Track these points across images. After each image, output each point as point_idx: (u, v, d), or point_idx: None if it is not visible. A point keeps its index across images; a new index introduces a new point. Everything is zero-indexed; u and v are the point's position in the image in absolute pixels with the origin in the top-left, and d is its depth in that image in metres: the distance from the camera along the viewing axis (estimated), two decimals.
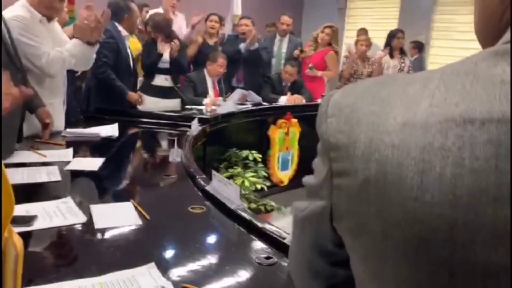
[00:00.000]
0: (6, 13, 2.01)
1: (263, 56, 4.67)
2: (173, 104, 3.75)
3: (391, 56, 5.02)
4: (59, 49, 2.22)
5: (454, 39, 7.41)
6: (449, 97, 0.39)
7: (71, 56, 2.22)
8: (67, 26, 2.99)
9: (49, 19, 2.28)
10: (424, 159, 0.38)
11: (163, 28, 3.78)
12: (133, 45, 3.65)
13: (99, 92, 3.04)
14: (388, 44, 5.06)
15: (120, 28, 3.07)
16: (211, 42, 4.52)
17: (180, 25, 4.68)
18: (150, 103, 3.46)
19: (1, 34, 1.67)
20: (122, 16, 3.07)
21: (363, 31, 6.17)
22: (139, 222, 1.32)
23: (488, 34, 0.48)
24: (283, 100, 4.31)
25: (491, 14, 0.46)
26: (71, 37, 2.35)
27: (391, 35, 5.07)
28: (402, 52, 5.10)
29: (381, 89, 0.44)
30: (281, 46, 4.96)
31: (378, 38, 5.50)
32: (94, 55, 2.38)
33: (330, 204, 0.47)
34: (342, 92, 0.49)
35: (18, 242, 0.56)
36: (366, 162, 0.41)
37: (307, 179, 0.55)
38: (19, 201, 1.41)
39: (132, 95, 3.09)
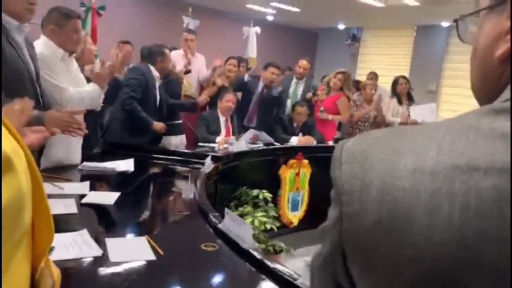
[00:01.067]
0: None
1: (281, 98, 4.79)
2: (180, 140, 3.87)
3: (400, 102, 5.09)
4: (79, 89, 2.33)
5: (464, 87, 7.51)
6: (454, 147, 0.43)
7: (89, 98, 2.35)
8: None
9: (70, 53, 2.40)
10: (433, 202, 0.41)
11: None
12: None
13: (124, 123, 3.20)
14: (393, 91, 5.15)
15: (152, 69, 3.31)
16: (227, 84, 4.66)
17: (200, 66, 4.83)
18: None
19: (1, 37, 1.75)
20: (155, 59, 3.33)
21: (373, 74, 6.32)
22: (153, 257, 1.35)
23: (485, 93, 0.52)
24: (294, 141, 4.36)
25: (489, 76, 0.50)
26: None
27: (395, 82, 5.16)
28: (410, 98, 5.16)
29: (391, 140, 0.48)
30: (297, 89, 5.09)
31: (389, 84, 5.59)
32: (103, 96, 2.50)
33: (341, 245, 0.49)
34: (354, 140, 0.52)
35: (56, 271, 0.57)
36: (379, 204, 0.44)
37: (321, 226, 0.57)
38: None
39: (157, 124, 3.25)
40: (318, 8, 7.13)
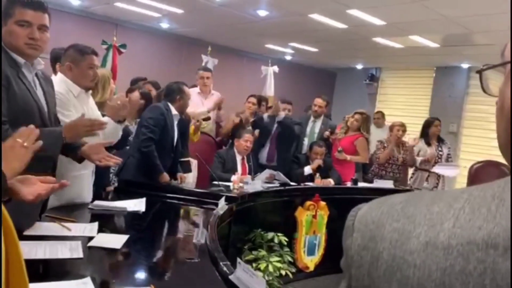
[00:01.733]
0: None
1: (296, 130, 4.72)
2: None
3: (428, 144, 4.98)
4: None
5: (485, 129, 7.36)
6: (473, 219, 0.39)
7: (103, 133, 2.30)
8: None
9: (86, 90, 2.39)
10: (445, 283, 0.37)
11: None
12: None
13: (139, 163, 3.17)
14: (424, 132, 5.05)
15: (171, 107, 3.30)
16: (247, 122, 4.64)
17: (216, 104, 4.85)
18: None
19: (1, 43, 1.72)
20: (174, 97, 3.33)
21: (380, 114, 6.46)
22: None
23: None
24: (308, 170, 4.30)
25: None
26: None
27: (428, 123, 5.08)
28: (440, 140, 5.06)
29: (407, 206, 0.45)
30: (314, 127, 5.04)
31: (409, 125, 5.52)
32: (121, 132, 2.48)
33: None
34: (369, 206, 0.49)
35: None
36: (388, 282, 0.41)
37: None
38: (36, 279, 1.37)
39: (163, 177, 3.16)
40: (336, 49, 7.17)
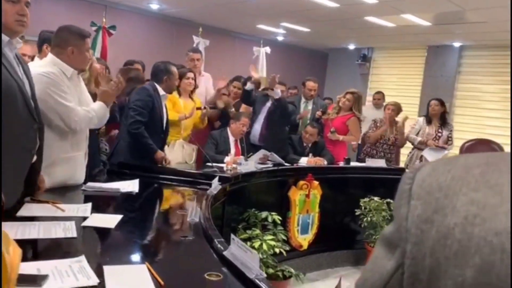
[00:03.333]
0: (35, 69, 2.07)
1: (289, 107, 4.66)
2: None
3: (429, 122, 5.02)
4: (86, 109, 2.28)
5: (477, 108, 7.40)
6: None
7: (97, 117, 2.32)
8: None
9: (80, 71, 2.37)
10: None
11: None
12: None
13: (130, 145, 3.16)
14: (427, 112, 5.10)
15: (158, 88, 3.28)
16: (230, 108, 4.59)
17: (206, 86, 4.80)
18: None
19: (0, 44, 1.70)
20: (161, 77, 3.31)
21: (381, 94, 6.34)
22: (153, 287, 1.26)
23: None
24: (304, 162, 4.27)
25: None
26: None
27: (428, 103, 5.13)
28: (443, 122, 5.05)
29: (489, 172, 0.35)
30: (306, 108, 5.01)
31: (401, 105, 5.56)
32: (108, 114, 2.48)
33: None
34: (432, 167, 0.38)
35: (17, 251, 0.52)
36: (461, 266, 0.32)
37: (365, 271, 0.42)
38: (31, 258, 1.37)
39: (158, 155, 3.17)
40: (328, 29, 7.12)
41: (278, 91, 4.45)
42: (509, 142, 5.58)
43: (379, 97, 6.36)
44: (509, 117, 6.00)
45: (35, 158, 1.96)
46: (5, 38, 1.82)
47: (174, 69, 3.41)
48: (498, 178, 0.34)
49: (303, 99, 5.05)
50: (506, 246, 0.30)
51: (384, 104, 6.02)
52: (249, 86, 4.54)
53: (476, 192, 0.34)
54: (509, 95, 6.08)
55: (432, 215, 0.35)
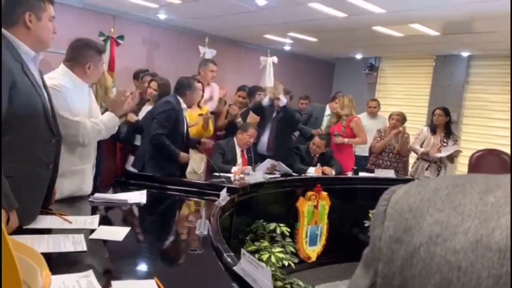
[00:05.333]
0: (47, 81, 2.07)
1: (295, 115, 4.66)
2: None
3: (434, 132, 4.96)
4: (95, 121, 2.27)
5: (486, 118, 7.33)
6: None
7: (106, 128, 2.31)
8: None
9: (91, 84, 2.39)
10: None
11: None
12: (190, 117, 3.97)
13: (153, 156, 3.32)
14: (431, 121, 5.05)
15: (181, 100, 3.44)
16: (237, 118, 4.59)
17: (212, 95, 4.80)
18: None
19: (1, 41, 1.70)
20: (184, 91, 3.47)
21: (376, 102, 6.02)
22: None
23: None
24: (312, 171, 4.23)
25: None
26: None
27: (432, 113, 5.08)
28: (448, 132, 4.98)
29: (454, 193, 0.36)
30: (330, 119, 5.07)
31: (408, 114, 5.48)
32: (118, 125, 2.50)
33: None
34: (406, 190, 0.40)
35: (48, 277, 0.50)
36: (424, 285, 0.33)
37: None
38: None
39: (183, 156, 3.37)
40: (336, 38, 7.10)
41: (283, 99, 4.44)
42: None
43: (374, 105, 5.93)
44: None
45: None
46: (32, 53, 1.84)
47: (197, 84, 3.60)
48: (462, 199, 0.35)
49: (327, 111, 5.07)
50: (463, 264, 0.32)
51: (379, 113, 5.95)
52: (265, 102, 4.55)
53: (441, 213, 0.35)
54: None
55: (401, 235, 0.37)
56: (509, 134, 6.72)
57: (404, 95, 8.35)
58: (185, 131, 3.52)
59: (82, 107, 2.24)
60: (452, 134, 5.01)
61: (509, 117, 6.94)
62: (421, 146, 4.99)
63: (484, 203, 0.34)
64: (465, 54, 7.52)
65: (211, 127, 4.30)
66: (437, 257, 0.33)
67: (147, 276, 1.45)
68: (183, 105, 3.45)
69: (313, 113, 5.61)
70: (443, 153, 4.81)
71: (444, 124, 4.96)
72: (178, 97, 3.45)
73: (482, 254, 0.31)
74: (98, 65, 2.33)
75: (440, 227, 0.35)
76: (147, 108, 3.94)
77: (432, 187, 0.39)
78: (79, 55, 2.26)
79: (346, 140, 4.69)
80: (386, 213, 0.40)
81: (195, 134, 4.07)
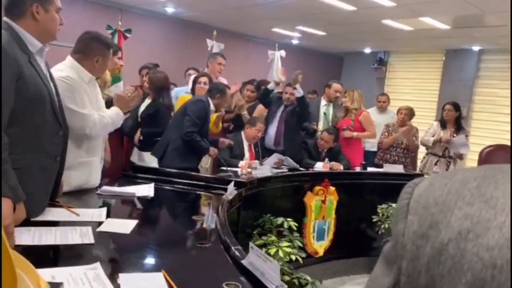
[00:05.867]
0: (55, 73, 2.06)
1: (310, 108, 4.59)
2: None
3: (444, 127, 4.89)
4: (102, 114, 2.27)
5: (496, 113, 7.25)
6: None
7: (112, 123, 2.32)
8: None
9: (97, 77, 2.39)
10: None
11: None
12: None
13: (177, 148, 3.47)
14: (441, 116, 4.99)
15: (210, 102, 3.62)
16: (243, 111, 4.55)
17: None
18: None
19: (0, 38, 1.70)
20: (215, 95, 3.65)
21: (385, 97, 5.98)
22: None
23: None
24: (319, 166, 4.19)
25: None
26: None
27: (442, 108, 5.01)
28: (459, 127, 4.91)
29: (484, 185, 0.34)
30: (329, 111, 4.95)
31: (417, 109, 5.41)
32: (123, 120, 2.51)
33: None
34: (430, 182, 0.38)
35: (43, 284, 0.51)
36: (454, 284, 0.31)
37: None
38: (46, 264, 1.34)
39: (212, 151, 3.56)
40: (344, 32, 7.05)
41: (300, 90, 4.40)
42: None
43: (384, 99, 5.87)
44: None
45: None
46: (38, 44, 1.83)
47: (228, 91, 3.86)
48: (493, 191, 0.33)
49: (323, 102, 4.98)
50: (498, 262, 0.29)
51: (389, 108, 5.89)
52: (271, 85, 4.52)
53: (471, 206, 0.33)
54: None
55: (427, 231, 0.34)
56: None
57: (413, 90, 8.28)
58: (208, 130, 3.74)
59: (89, 99, 2.24)
60: (462, 129, 4.94)
61: None
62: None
63: None
64: (476, 48, 7.43)
65: (220, 124, 4.30)
66: (468, 254, 0.31)
67: (155, 268, 1.45)
68: (212, 107, 3.66)
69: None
70: (457, 141, 4.74)
71: (454, 119, 4.90)
72: (209, 99, 3.63)
73: None
74: (106, 59, 2.32)
75: (471, 222, 0.32)
76: (147, 102, 3.94)
77: (459, 178, 0.36)
78: (88, 48, 2.25)
79: (355, 134, 4.64)
80: (409, 207, 0.37)
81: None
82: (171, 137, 3.55)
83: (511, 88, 6.20)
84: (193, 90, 4.13)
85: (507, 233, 0.30)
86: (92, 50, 2.25)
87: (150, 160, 3.66)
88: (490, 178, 0.34)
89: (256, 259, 1.40)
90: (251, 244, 1.47)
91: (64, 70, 2.17)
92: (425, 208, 0.36)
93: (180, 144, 3.46)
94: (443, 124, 4.92)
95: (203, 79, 4.11)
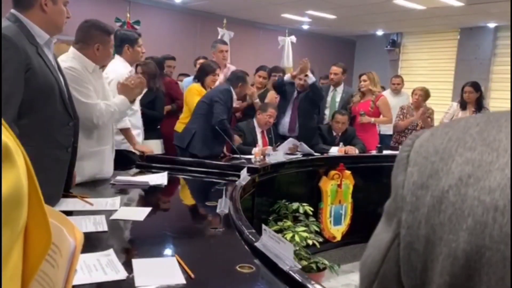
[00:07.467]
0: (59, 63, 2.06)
1: (323, 93, 4.55)
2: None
3: (464, 108, 4.77)
4: (108, 103, 2.26)
5: None
6: None
7: (119, 111, 2.30)
8: None
9: (102, 66, 2.37)
10: None
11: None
12: None
13: (206, 137, 3.53)
14: (461, 97, 4.85)
15: (233, 91, 3.71)
16: (255, 99, 4.51)
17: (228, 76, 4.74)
18: None
19: (0, 37, 1.69)
20: (236, 84, 3.73)
21: (399, 79, 5.83)
22: (183, 280, 1.21)
23: None
24: (334, 151, 4.14)
25: None
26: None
27: (462, 89, 4.86)
28: (479, 106, 4.76)
29: (487, 129, 0.32)
30: (335, 96, 4.87)
31: (433, 90, 5.29)
32: (128, 109, 2.53)
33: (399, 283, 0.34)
34: (431, 132, 0.36)
35: (79, 234, 0.49)
36: (454, 231, 0.29)
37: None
38: None
39: (236, 139, 3.67)
40: (355, 14, 6.93)
41: (312, 76, 4.35)
42: None
43: (398, 81, 5.72)
44: None
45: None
46: (46, 36, 1.84)
47: (247, 79, 3.92)
48: (496, 134, 0.31)
49: (331, 88, 4.92)
50: (500, 203, 0.28)
51: (403, 90, 5.76)
52: (287, 78, 4.47)
53: (472, 151, 0.31)
54: None
55: (427, 180, 0.33)
56: None
57: (428, 71, 8.12)
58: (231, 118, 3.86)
59: (94, 89, 2.23)
60: (483, 109, 4.80)
61: None
62: None
63: None
64: (491, 25, 7.23)
65: None
66: (469, 199, 0.29)
67: (168, 254, 1.44)
68: (234, 96, 3.73)
69: None
70: None
71: (475, 100, 4.75)
72: (231, 88, 3.70)
73: None
74: (107, 46, 2.29)
75: (472, 166, 0.30)
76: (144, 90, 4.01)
77: (461, 125, 0.34)
78: (87, 36, 2.25)
79: (372, 119, 4.57)
80: (409, 158, 0.36)
81: None
82: (198, 126, 3.59)
83: None
84: (198, 78, 4.10)
85: (509, 173, 0.28)
86: (91, 38, 2.24)
87: (153, 148, 3.67)
88: (494, 122, 0.32)
89: (269, 241, 1.38)
90: (264, 226, 1.45)
91: (67, 61, 2.16)
92: (425, 158, 0.34)
93: (209, 132, 3.51)
94: (463, 105, 4.79)
95: (218, 71, 4.14)
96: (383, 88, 5.14)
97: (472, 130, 0.33)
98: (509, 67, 7.16)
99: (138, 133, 3.13)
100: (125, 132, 2.91)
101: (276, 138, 4.27)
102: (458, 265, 0.28)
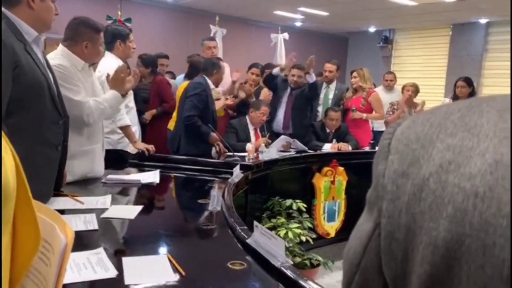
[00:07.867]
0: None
1: (319, 88, 4.54)
2: None
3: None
4: (98, 99, 2.23)
5: (507, 87, 7.10)
6: None
7: (110, 107, 2.27)
8: None
9: (92, 64, 2.35)
10: None
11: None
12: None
13: (187, 136, 3.44)
14: (453, 92, 4.88)
15: (208, 81, 3.53)
16: (252, 98, 4.50)
17: (225, 75, 4.71)
18: None
19: (0, 35, 1.67)
20: (211, 71, 3.55)
21: (392, 76, 5.85)
22: (173, 278, 1.20)
23: None
24: (327, 148, 4.14)
25: None
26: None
27: (454, 84, 4.89)
28: None
29: (468, 115, 0.31)
30: (328, 93, 4.87)
31: (425, 86, 5.31)
32: (121, 106, 2.51)
33: (380, 273, 0.34)
34: (413, 120, 0.35)
35: (70, 231, 0.50)
36: (435, 219, 0.29)
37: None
38: None
39: (212, 137, 3.42)
40: (347, 11, 6.93)
41: (313, 76, 4.34)
42: None
43: (390, 78, 5.73)
44: None
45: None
46: (34, 33, 1.81)
47: (222, 63, 3.68)
48: (478, 119, 0.30)
49: (324, 85, 4.91)
50: (480, 189, 0.27)
51: (396, 87, 5.76)
52: (276, 71, 4.45)
53: (453, 137, 0.31)
54: None
55: (407, 168, 0.32)
56: None
57: (421, 67, 8.15)
58: (214, 110, 3.62)
59: (84, 86, 2.21)
60: None
61: None
62: None
63: (505, 120, 0.29)
64: (483, 21, 7.27)
65: (222, 110, 4.28)
66: (449, 186, 0.29)
67: (159, 252, 1.43)
68: (211, 85, 3.56)
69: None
70: None
71: (468, 95, 4.78)
72: (206, 77, 3.55)
73: (503, 175, 0.26)
74: (96, 44, 2.26)
75: (453, 152, 0.30)
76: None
77: (442, 111, 0.33)
78: (76, 34, 2.22)
79: (364, 115, 4.57)
80: (390, 146, 0.35)
81: None
82: (180, 127, 3.54)
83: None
84: (189, 76, 4.09)
85: (490, 158, 0.27)
86: (79, 35, 2.22)
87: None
88: (476, 108, 0.31)
89: (261, 237, 1.38)
90: (255, 222, 1.45)
91: (56, 59, 2.14)
92: (406, 146, 0.33)
93: (190, 131, 3.43)
94: (456, 100, 4.82)
95: None
96: (375, 85, 5.13)
97: (453, 116, 0.32)
98: (501, 63, 7.21)
99: (135, 129, 3.11)
100: (125, 129, 2.88)
101: (270, 135, 4.26)
102: (438, 254, 0.28)
